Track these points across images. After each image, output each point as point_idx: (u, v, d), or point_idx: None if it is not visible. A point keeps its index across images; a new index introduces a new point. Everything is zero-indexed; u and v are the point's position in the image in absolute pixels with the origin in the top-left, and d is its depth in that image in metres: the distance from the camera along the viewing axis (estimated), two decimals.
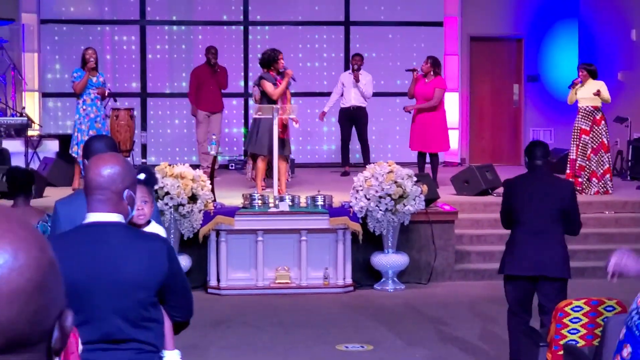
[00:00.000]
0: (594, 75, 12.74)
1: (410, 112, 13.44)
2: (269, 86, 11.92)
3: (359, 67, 14.43)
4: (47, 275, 1.21)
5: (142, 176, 4.46)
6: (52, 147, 14.32)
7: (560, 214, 6.82)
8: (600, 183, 12.70)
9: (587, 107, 12.67)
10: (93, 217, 3.52)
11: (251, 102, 15.30)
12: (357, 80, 14.24)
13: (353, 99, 14.37)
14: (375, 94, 14.70)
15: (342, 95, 14.47)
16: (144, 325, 3.61)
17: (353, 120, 14.51)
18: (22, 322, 1.18)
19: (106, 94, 12.83)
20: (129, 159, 12.57)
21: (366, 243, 10.65)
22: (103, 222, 3.50)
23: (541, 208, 6.80)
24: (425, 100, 13.06)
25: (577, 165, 12.69)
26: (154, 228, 4.48)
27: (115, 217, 3.53)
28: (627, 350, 1.93)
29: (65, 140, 13.62)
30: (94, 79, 12.54)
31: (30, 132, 14.53)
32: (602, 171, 12.75)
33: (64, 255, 3.21)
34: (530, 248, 6.76)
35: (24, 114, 15.01)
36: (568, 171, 12.83)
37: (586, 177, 12.67)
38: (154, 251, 3.60)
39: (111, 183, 3.52)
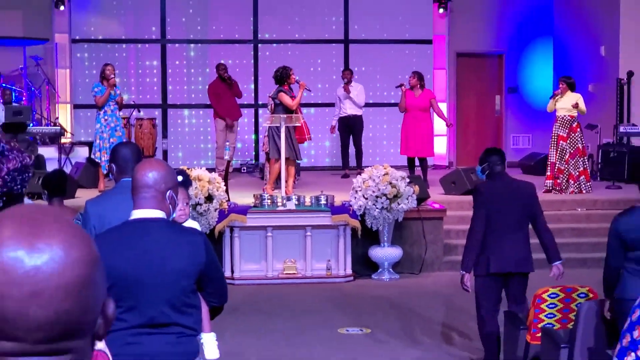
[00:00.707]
0: (573, 88, 12.77)
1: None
2: (287, 99, 11.94)
3: (349, 80, 14.48)
4: (93, 269, 1.19)
5: (180, 178, 4.50)
6: (82, 153, 14.33)
7: (526, 213, 6.73)
8: (576, 184, 12.72)
9: (565, 116, 12.67)
10: (139, 213, 3.55)
11: (261, 111, 15.32)
12: (347, 92, 14.31)
13: (348, 108, 14.39)
14: (370, 105, 14.74)
15: (339, 108, 14.51)
16: (185, 311, 3.63)
17: (350, 127, 14.52)
18: (75, 313, 1.16)
19: (123, 105, 12.77)
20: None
21: (364, 238, 10.67)
22: (148, 218, 3.53)
23: (510, 210, 6.68)
24: (420, 111, 13.12)
25: (556, 168, 12.71)
26: (190, 223, 4.52)
27: (158, 214, 3.55)
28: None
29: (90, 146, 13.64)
30: (113, 92, 12.53)
31: (63, 140, 14.56)
32: (577, 173, 12.76)
33: (113, 248, 3.26)
34: (505, 247, 6.64)
35: (57, 124, 15.04)
36: (548, 173, 12.83)
37: (565, 178, 12.69)
38: (194, 243, 3.62)
39: (155, 183, 3.56)
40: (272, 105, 12.28)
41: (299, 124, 12.19)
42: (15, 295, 1.12)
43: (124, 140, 12.38)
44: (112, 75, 12.36)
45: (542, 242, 6.74)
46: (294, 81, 12.12)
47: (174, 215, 3.73)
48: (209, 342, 4.01)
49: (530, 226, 6.83)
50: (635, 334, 1.92)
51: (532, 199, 6.81)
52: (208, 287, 3.75)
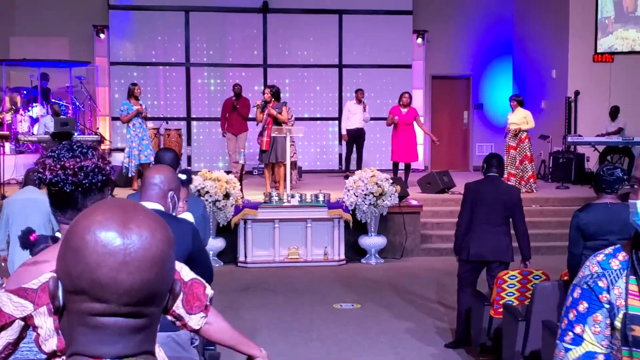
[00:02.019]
0: (522, 104, 12.86)
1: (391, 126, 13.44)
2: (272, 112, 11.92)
3: (362, 98, 14.31)
4: (171, 249, 1.23)
5: (183, 177, 4.52)
6: (119, 157, 14.33)
7: (508, 212, 6.72)
8: (527, 185, 12.81)
9: (515, 129, 12.75)
10: (143, 204, 3.60)
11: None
12: (364, 109, 14.22)
13: (358, 122, 14.31)
14: None
15: (348, 120, 14.42)
16: None
17: (356, 138, 14.44)
18: (155, 282, 1.20)
19: (147, 115, 12.69)
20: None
21: (355, 228, 10.71)
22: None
23: (493, 208, 6.70)
24: (407, 125, 13.10)
25: (507, 172, 12.74)
26: (186, 215, 4.54)
27: (157, 206, 3.57)
28: (583, 306, 1.87)
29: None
30: (137, 107, 12.40)
31: (102, 147, 14.57)
32: (527, 176, 12.84)
33: None
34: (486, 238, 6.68)
35: (97, 133, 15.06)
36: (504, 176, 12.84)
37: (517, 181, 12.75)
38: (183, 232, 3.62)
39: (160, 183, 3.62)
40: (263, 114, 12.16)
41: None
42: (109, 264, 1.16)
43: (150, 147, 12.40)
44: (139, 93, 12.34)
45: (518, 242, 6.76)
46: (265, 98, 12.03)
47: (174, 213, 3.76)
48: None
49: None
50: (570, 316, 1.90)
51: (515, 201, 6.78)
52: (195, 269, 3.77)
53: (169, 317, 2.62)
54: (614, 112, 14.43)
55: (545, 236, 11.14)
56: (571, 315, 1.89)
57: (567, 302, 1.93)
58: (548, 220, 11.78)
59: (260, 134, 12.07)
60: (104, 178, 2.63)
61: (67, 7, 15.99)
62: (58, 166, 2.55)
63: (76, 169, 2.57)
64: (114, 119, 16.30)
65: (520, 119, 12.62)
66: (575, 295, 1.89)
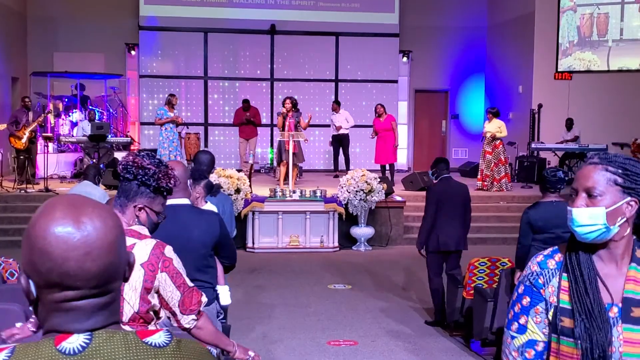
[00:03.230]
0: (497, 115, 12.79)
1: (374, 137, 13.43)
2: (279, 120, 11.95)
3: (337, 110, 14.39)
4: (122, 232, 1.21)
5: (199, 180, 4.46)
6: None
7: (463, 207, 6.72)
8: (498, 185, 12.74)
9: (490, 136, 12.69)
10: (171, 201, 3.54)
11: (274, 130, 15.29)
12: (332, 121, 14.27)
13: (339, 129, 14.33)
14: (354, 126, 14.69)
15: (333, 128, 14.46)
16: (205, 270, 3.61)
17: (340, 142, 14.48)
18: (115, 263, 1.19)
19: (180, 121, 12.76)
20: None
21: (347, 220, 10.63)
22: (176, 204, 3.49)
23: (452, 204, 6.68)
24: (385, 131, 13.09)
25: (484, 174, 12.72)
26: (209, 206, 4.47)
27: (184, 201, 3.54)
28: (526, 300, 1.90)
29: (154, 153, 13.56)
30: (171, 114, 12.44)
31: (132, 147, 14.50)
32: (499, 177, 12.78)
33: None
34: (449, 231, 6.66)
35: (128, 136, 14.99)
36: (479, 177, 12.86)
37: (490, 181, 12.72)
38: (211, 221, 3.61)
39: (180, 178, 3.57)
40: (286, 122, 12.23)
41: (302, 139, 12.17)
42: (74, 256, 1.14)
43: (178, 149, 12.44)
44: (175, 102, 12.43)
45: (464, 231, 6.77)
46: (286, 108, 12.01)
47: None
48: (223, 292, 3.99)
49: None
50: (516, 308, 1.91)
51: (466, 197, 6.79)
52: (222, 252, 3.77)
53: (165, 312, 2.63)
54: (569, 124, 14.40)
55: (511, 229, 11.03)
56: (516, 308, 1.92)
57: (513, 297, 1.96)
58: (514, 215, 11.67)
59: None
60: (156, 185, 2.66)
61: (103, 28, 15.91)
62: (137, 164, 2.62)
63: (142, 171, 2.62)
64: (143, 124, 16.25)
65: (495, 128, 12.58)
66: (520, 290, 1.92)
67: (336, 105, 14.65)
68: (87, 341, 1.15)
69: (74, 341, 1.14)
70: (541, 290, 1.87)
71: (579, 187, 1.81)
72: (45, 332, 1.18)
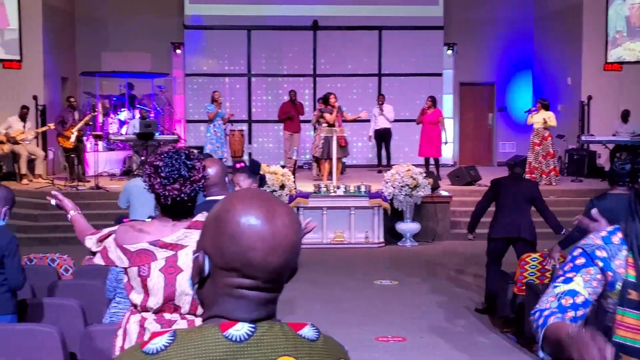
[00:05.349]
0: (547, 108, 12.62)
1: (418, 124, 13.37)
2: (327, 115, 12.02)
3: (382, 102, 14.38)
4: (300, 238, 1.26)
5: (243, 163, 4.46)
6: None
7: (528, 199, 6.83)
8: (547, 178, 12.57)
9: (539, 128, 12.51)
10: (210, 197, 3.60)
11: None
12: (382, 110, 14.21)
13: (382, 123, 14.30)
14: (396, 120, 14.64)
15: (374, 122, 14.42)
16: None
17: (382, 137, 14.43)
18: (292, 262, 1.24)
19: (227, 119, 12.99)
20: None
21: (392, 215, 10.59)
22: (214, 200, 3.52)
23: (515, 196, 6.82)
24: (431, 124, 13.00)
25: (532, 166, 12.57)
26: None
27: (222, 197, 3.58)
28: (580, 261, 1.97)
29: (200, 150, 13.74)
30: (221, 111, 12.69)
31: (179, 145, 14.67)
32: (548, 170, 12.61)
33: None
34: (508, 219, 6.79)
35: (175, 133, 15.20)
36: (527, 169, 12.71)
37: (538, 174, 12.56)
38: None
39: (216, 176, 3.63)
40: (316, 117, 12.48)
41: (344, 135, 12.21)
42: (260, 247, 1.19)
43: (225, 146, 12.71)
44: (220, 98, 12.83)
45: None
46: (332, 102, 12.12)
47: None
48: None
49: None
50: (567, 267, 1.99)
51: (532, 191, 6.94)
52: None
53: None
54: (625, 115, 14.05)
55: (562, 223, 10.84)
56: (567, 267, 2.00)
57: (567, 259, 2.04)
58: (564, 209, 11.44)
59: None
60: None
61: (150, 27, 16.14)
62: (169, 187, 2.61)
63: (182, 189, 2.62)
64: (189, 121, 16.46)
65: (540, 119, 12.41)
66: (575, 253, 2.01)
67: (382, 97, 14.61)
68: (252, 330, 1.19)
69: (240, 329, 1.19)
70: (596, 261, 1.95)
71: None
72: (208, 317, 1.23)
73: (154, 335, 1.20)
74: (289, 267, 1.24)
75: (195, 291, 1.27)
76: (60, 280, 5.58)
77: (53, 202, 3.29)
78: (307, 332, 1.24)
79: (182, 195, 2.61)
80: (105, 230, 2.78)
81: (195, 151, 2.78)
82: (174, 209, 2.66)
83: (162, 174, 2.62)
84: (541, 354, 1.87)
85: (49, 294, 5.16)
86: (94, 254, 2.80)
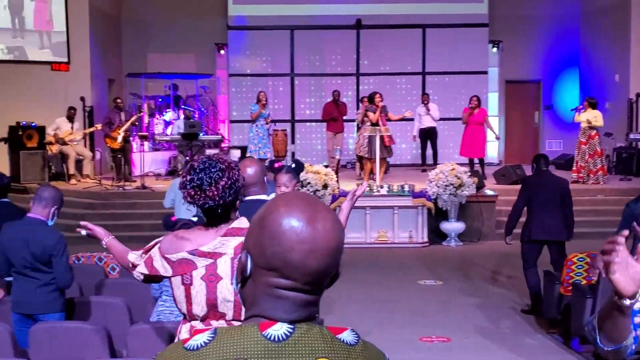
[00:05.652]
0: (594, 106, 12.38)
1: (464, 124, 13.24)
2: (370, 114, 11.98)
3: (427, 101, 14.28)
4: (343, 239, 1.26)
5: (293, 165, 4.46)
6: (236, 153, 14.56)
7: (560, 198, 6.76)
8: (594, 177, 12.33)
9: (585, 127, 12.29)
10: (250, 196, 3.61)
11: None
12: (428, 109, 14.11)
13: (428, 122, 14.19)
14: (441, 119, 14.52)
15: (419, 121, 14.33)
16: None
17: (428, 136, 14.31)
18: (332, 267, 1.24)
19: (269, 121, 13.07)
20: (284, 161, 12.68)
21: (436, 215, 10.49)
22: (255, 199, 3.56)
23: (548, 195, 6.75)
24: (478, 125, 12.86)
25: (579, 165, 12.35)
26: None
27: (264, 197, 3.59)
28: None
29: (244, 150, 13.86)
30: (264, 111, 12.77)
31: (222, 145, 14.83)
32: (595, 169, 12.36)
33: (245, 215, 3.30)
34: (543, 221, 6.71)
35: (219, 133, 15.33)
36: (574, 168, 12.50)
37: (586, 173, 12.32)
38: None
39: (254, 175, 3.64)
40: (361, 116, 12.50)
41: (389, 134, 12.15)
42: (300, 249, 1.20)
43: (268, 146, 12.77)
44: (264, 99, 12.90)
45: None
46: (377, 102, 12.07)
47: (273, 193, 3.76)
48: None
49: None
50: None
51: (564, 189, 6.87)
52: None
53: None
54: None
55: (609, 223, 10.55)
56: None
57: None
58: (611, 208, 11.22)
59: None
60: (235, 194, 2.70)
61: (194, 29, 16.31)
62: (203, 195, 2.65)
63: (216, 195, 2.65)
64: (232, 121, 16.58)
65: (586, 118, 12.18)
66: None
67: (426, 96, 14.51)
68: (290, 331, 1.20)
69: (279, 329, 1.20)
70: None
71: None
72: (248, 317, 1.25)
73: (196, 332, 1.23)
74: (329, 271, 1.24)
75: (239, 291, 1.29)
76: (107, 278, 5.68)
77: (84, 232, 3.22)
78: (347, 336, 1.24)
79: (209, 202, 2.65)
80: (152, 242, 2.82)
81: (231, 162, 2.79)
82: (209, 214, 2.70)
83: (188, 182, 2.69)
84: (605, 347, 1.86)
85: (96, 292, 5.26)
86: (134, 267, 2.81)
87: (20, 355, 3.94)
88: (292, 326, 1.21)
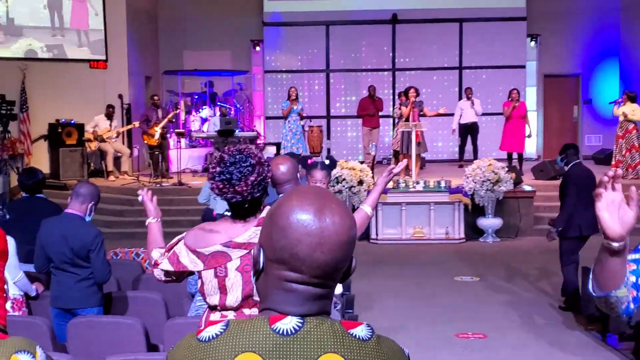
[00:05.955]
0: (633, 100, 12.15)
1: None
2: (403, 109, 11.99)
3: (471, 95, 14.09)
4: (355, 233, 1.27)
5: (327, 161, 4.45)
6: (271, 150, 14.62)
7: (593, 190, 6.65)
8: (633, 172, 12.12)
9: (623, 120, 12.12)
10: (283, 194, 3.62)
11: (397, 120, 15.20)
12: (472, 105, 13.96)
13: (470, 117, 14.02)
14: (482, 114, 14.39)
15: (460, 115, 14.16)
16: None
17: (469, 131, 14.12)
18: (342, 261, 1.24)
19: (303, 116, 13.07)
20: (319, 157, 12.69)
21: (473, 211, 10.40)
22: None
23: (590, 188, 6.59)
24: (520, 118, 12.71)
25: (617, 159, 12.17)
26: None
27: None
28: None
29: (279, 146, 13.91)
30: (296, 107, 12.79)
31: (258, 141, 14.88)
32: (634, 164, 12.16)
33: None
34: (588, 216, 6.52)
35: (254, 130, 15.40)
36: (612, 162, 12.29)
37: (624, 167, 12.11)
38: None
39: (287, 172, 3.64)
40: (398, 112, 12.48)
41: (424, 129, 12.07)
42: (307, 242, 1.20)
43: (302, 141, 12.76)
44: (293, 94, 12.86)
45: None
46: (411, 97, 12.02)
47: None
48: None
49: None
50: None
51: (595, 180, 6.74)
52: None
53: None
54: None
55: None
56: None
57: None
58: None
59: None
60: (263, 188, 2.70)
61: (229, 25, 16.42)
62: (232, 189, 2.64)
63: (245, 190, 2.64)
64: (268, 118, 16.64)
65: (622, 112, 12.01)
66: None
67: (470, 90, 14.33)
68: (300, 324, 1.21)
69: (288, 323, 1.21)
70: None
71: None
72: (262, 310, 1.27)
73: (210, 323, 1.25)
74: (339, 266, 1.24)
75: (255, 283, 1.30)
76: (144, 274, 5.75)
77: (140, 198, 3.23)
78: (360, 331, 1.23)
79: (237, 197, 2.64)
80: (174, 240, 2.80)
81: (261, 157, 2.78)
82: (235, 209, 2.68)
83: (217, 174, 2.67)
84: (594, 293, 1.87)
85: (134, 287, 5.33)
86: (156, 265, 2.79)
87: (59, 349, 4.01)
88: (301, 320, 1.21)
